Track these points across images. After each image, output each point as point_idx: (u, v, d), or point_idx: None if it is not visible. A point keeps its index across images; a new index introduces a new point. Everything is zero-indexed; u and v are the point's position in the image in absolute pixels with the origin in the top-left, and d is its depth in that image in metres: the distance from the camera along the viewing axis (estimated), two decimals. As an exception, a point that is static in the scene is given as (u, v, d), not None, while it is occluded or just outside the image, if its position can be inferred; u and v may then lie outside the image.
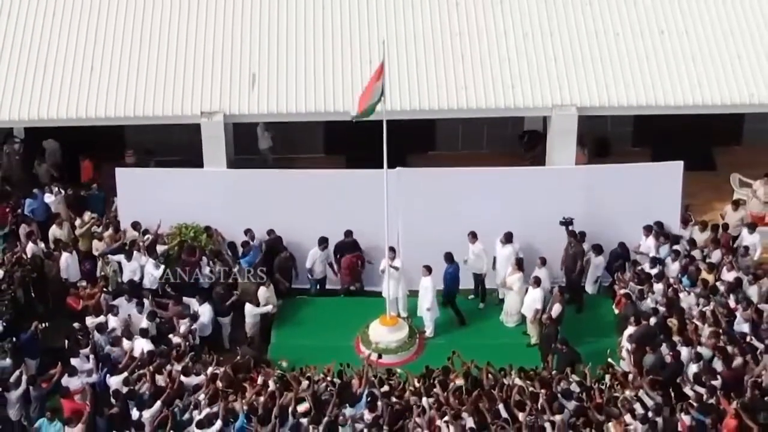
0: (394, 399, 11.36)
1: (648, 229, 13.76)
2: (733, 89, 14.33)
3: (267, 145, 16.34)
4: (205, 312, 13.13)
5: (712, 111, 14.57)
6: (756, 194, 14.96)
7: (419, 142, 16.34)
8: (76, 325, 12.99)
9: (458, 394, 11.32)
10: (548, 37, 14.91)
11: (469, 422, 10.85)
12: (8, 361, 12.38)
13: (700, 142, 16.13)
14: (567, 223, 13.59)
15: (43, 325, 13.00)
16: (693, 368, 11.92)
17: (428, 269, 13.25)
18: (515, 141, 16.40)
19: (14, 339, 12.71)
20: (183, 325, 12.84)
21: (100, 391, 12.01)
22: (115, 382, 11.86)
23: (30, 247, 13.95)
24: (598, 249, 13.65)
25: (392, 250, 13.25)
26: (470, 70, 14.58)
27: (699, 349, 12.12)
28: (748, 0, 15.25)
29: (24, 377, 12.05)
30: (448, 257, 13.42)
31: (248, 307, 13.23)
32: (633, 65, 14.61)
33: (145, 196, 14.03)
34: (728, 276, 13.09)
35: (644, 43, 14.84)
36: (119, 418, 11.35)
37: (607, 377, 11.85)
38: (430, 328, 13.58)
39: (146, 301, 13.09)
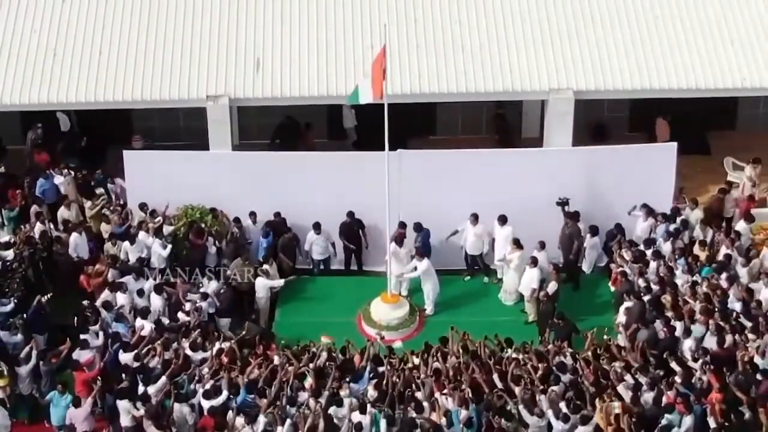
0: (394, 378, 11.31)
1: (647, 210, 13.77)
2: (726, 74, 14.25)
3: (351, 124, 16.40)
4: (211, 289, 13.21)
5: (705, 95, 14.48)
6: (751, 178, 15.02)
7: (420, 127, 16.31)
8: (85, 302, 12.99)
9: (456, 368, 11.36)
10: (546, 25, 14.81)
11: (467, 393, 10.88)
12: (19, 336, 12.43)
13: (696, 127, 16.12)
14: (563, 203, 13.59)
15: (46, 297, 12.94)
16: (687, 343, 11.98)
17: (420, 254, 13.29)
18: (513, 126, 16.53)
19: (24, 316, 12.72)
20: (189, 303, 12.90)
21: (110, 368, 12.01)
22: (126, 358, 11.90)
23: (38, 227, 13.96)
24: (593, 230, 13.64)
25: (403, 225, 13.27)
26: (470, 56, 14.49)
27: (692, 326, 12.18)
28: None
29: (34, 352, 12.08)
30: (417, 226, 13.52)
31: (259, 281, 13.26)
32: (628, 51, 14.52)
33: (152, 178, 14.01)
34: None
35: (639, 30, 14.74)
36: (127, 391, 11.42)
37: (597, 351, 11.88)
38: (430, 306, 13.63)
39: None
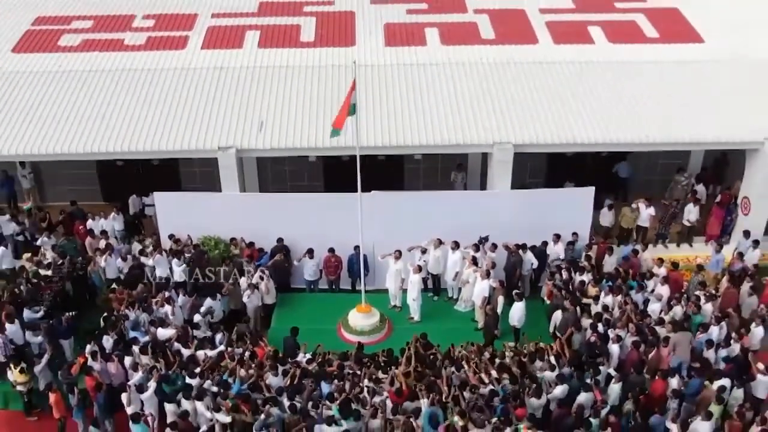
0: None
1: (557, 237, 15.98)
2: (633, 130, 16.60)
3: None
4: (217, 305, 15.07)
5: (616, 149, 16.99)
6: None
7: (390, 181, 18.61)
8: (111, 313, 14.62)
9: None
10: (491, 91, 17.46)
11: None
12: (40, 338, 13.85)
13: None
14: (483, 240, 15.63)
15: (72, 314, 14.46)
16: (614, 348, 13.73)
17: (418, 268, 15.17)
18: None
19: (50, 321, 14.10)
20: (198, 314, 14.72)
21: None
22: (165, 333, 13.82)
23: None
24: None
25: (398, 252, 15.31)
26: (433, 118, 16.81)
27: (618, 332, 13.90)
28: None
29: (48, 351, 13.51)
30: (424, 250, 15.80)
31: (245, 295, 15.25)
32: (556, 113, 16.93)
33: (178, 214, 16.15)
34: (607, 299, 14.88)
35: (562, 102, 17.17)
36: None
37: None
38: (416, 313, 15.41)
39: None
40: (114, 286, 15.55)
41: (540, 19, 20.20)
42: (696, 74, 18.25)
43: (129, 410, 12.48)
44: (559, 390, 12.56)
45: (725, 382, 12.82)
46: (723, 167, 19.49)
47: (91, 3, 21.07)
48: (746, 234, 16.83)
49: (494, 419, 11.78)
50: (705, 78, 18.14)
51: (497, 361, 13.38)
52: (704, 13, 20.41)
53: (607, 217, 17.63)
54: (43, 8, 20.87)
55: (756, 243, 16.58)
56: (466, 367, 12.99)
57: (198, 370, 13.01)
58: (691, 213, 17.77)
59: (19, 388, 13.49)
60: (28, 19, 20.35)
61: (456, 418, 11.78)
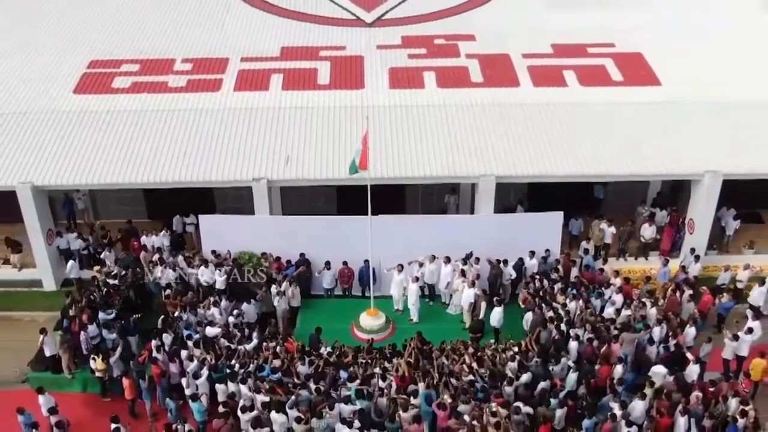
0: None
1: (532, 253, 19.32)
2: (598, 164, 19.93)
3: None
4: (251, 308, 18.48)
5: (582, 179, 20.27)
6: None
7: (393, 206, 21.27)
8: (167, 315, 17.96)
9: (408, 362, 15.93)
10: (476, 134, 20.68)
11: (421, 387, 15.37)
12: (114, 335, 17.03)
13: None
14: (469, 256, 18.93)
15: (138, 315, 17.85)
16: (573, 344, 17.12)
17: (416, 278, 18.44)
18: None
19: (122, 321, 17.42)
20: (231, 316, 18.01)
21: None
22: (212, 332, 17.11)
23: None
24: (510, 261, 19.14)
25: (401, 266, 18.59)
26: (429, 153, 20.20)
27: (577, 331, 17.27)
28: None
29: (120, 345, 16.67)
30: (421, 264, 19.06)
31: (275, 301, 18.69)
32: (531, 151, 20.27)
33: (220, 233, 19.44)
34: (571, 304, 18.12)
35: (538, 140, 20.42)
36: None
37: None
38: (415, 316, 18.72)
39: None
40: (167, 292, 18.83)
41: (522, 63, 23.54)
42: (652, 114, 21.54)
43: (187, 391, 15.79)
44: (525, 377, 15.84)
45: (662, 369, 16.10)
46: (678, 192, 22.77)
47: (135, 46, 24.48)
48: (692, 250, 20.14)
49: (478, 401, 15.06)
50: (660, 118, 21.42)
51: (479, 354, 16.64)
52: (664, 58, 23.70)
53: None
54: (94, 52, 24.22)
55: (697, 258, 19.89)
56: (451, 359, 16.23)
57: (240, 360, 16.30)
58: (646, 231, 21.08)
59: (98, 374, 16.83)
60: (84, 62, 23.71)
61: (446, 396, 15.06)
